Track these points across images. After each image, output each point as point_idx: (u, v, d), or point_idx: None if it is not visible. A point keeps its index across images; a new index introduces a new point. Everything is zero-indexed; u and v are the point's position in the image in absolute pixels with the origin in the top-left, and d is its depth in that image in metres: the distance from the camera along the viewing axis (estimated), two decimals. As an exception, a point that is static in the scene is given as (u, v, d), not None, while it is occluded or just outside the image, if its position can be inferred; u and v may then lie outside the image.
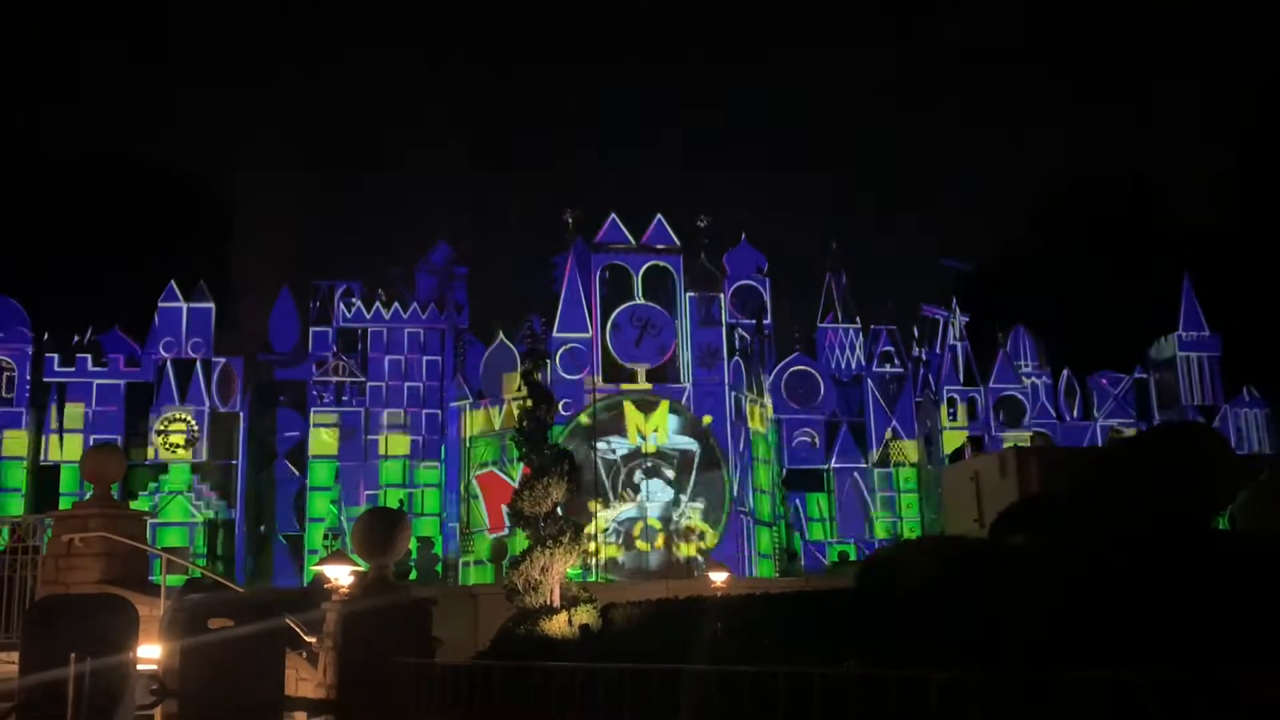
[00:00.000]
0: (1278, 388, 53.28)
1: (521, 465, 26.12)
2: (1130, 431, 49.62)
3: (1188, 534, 11.87)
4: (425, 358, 50.75)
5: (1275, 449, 52.83)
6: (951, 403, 52.95)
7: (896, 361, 55.68)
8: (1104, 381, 55.82)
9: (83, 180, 62.08)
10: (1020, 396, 53.38)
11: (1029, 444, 48.14)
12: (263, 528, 50.04)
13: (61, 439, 48.06)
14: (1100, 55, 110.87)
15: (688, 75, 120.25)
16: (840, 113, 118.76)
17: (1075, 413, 54.67)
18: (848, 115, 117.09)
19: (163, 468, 48.11)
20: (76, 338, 49.55)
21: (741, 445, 47.56)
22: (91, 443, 43.17)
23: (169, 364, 48.82)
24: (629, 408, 45.61)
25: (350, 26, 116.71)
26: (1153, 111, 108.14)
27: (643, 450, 45.62)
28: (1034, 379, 54.37)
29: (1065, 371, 55.18)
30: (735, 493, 46.33)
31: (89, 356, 49.01)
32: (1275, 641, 9.58)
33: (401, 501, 46.71)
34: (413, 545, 46.19)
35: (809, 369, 53.41)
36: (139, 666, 15.08)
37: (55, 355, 48.75)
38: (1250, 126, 61.25)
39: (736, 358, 48.77)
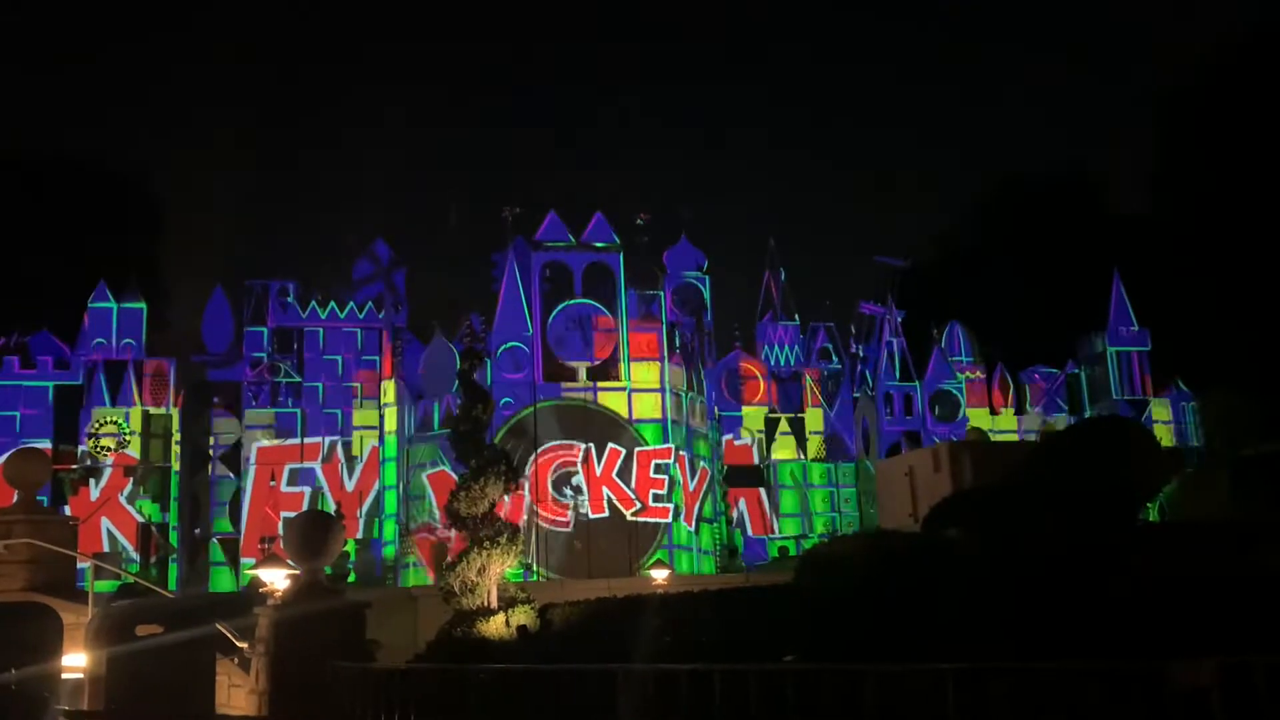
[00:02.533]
0: (1205, 381, 54.40)
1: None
2: (1061, 424, 50.42)
3: (1115, 527, 12.07)
4: (363, 357, 50.17)
5: (1203, 441, 53.97)
6: (888, 399, 53.44)
7: (835, 358, 56.04)
8: (1036, 376, 56.70)
9: (8, 176, 60.60)
10: (955, 392, 54.02)
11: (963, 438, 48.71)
12: (198, 531, 49.19)
13: (-13, 443, 46.89)
14: (1034, 52, 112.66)
15: (626, 73, 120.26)
16: (779, 111, 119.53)
17: (1009, 407, 55.47)
18: (787, 113, 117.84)
19: (94, 471, 47.11)
20: (3, 340, 48.39)
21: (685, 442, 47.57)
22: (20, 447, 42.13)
23: (100, 366, 47.85)
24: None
25: (290, 26, 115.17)
26: (1087, 107, 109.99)
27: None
28: (969, 373, 55.09)
29: (999, 367, 55.95)
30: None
31: (16, 359, 47.89)
32: (1201, 630, 9.75)
33: (338, 505, 46.15)
34: (351, 547, 45.71)
35: (749, 365, 53.63)
36: (65, 675, 14.74)
37: (-18, 358, 47.61)
38: (1179, 121, 62.44)
39: (676, 354, 48.78)
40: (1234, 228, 56.06)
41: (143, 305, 49.33)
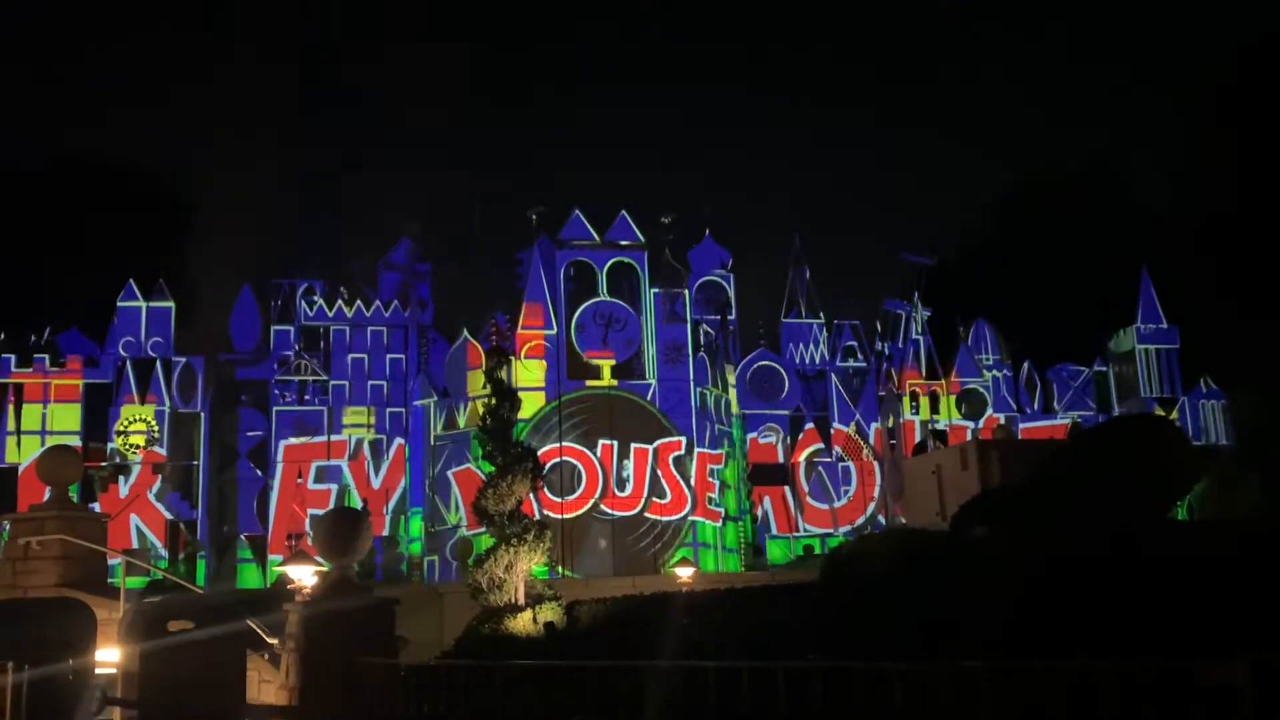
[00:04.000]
0: (1235, 378, 53.94)
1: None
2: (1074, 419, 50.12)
3: (1144, 526, 12.02)
4: (389, 356, 50.44)
5: (1233, 440, 53.52)
6: (914, 396, 53.22)
7: (860, 356, 55.90)
8: (1064, 374, 56.38)
9: (39, 178, 61.22)
10: (982, 389, 53.77)
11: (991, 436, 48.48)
12: (226, 528, 49.58)
13: (19, 441, 47.42)
14: (1063, 49, 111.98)
15: (649, 71, 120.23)
16: (805, 108, 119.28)
17: (1036, 405, 55.18)
18: (812, 111, 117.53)
19: (123, 468, 47.55)
20: (33, 338, 48.89)
21: (707, 440, 47.59)
22: (48, 444, 42.57)
23: (128, 364, 48.29)
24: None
25: (314, 24, 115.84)
26: (1114, 105, 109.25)
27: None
28: (995, 372, 54.86)
29: (1026, 364, 55.67)
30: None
31: (46, 357, 48.36)
32: (1226, 628, 9.71)
33: (365, 502, 46.41)
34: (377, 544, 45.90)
35: (773, 364, 53.55)
36: (98, 670, 14.92)
37: (11, 356, 48.08)
38: (1207, 118, 61.97)
39: (701, 353, 48.82)
40: (1263, 224, 55.55)
41: (171, 304, 49.78)
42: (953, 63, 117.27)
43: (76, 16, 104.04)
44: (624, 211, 48.89)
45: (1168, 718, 7.97)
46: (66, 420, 47.80)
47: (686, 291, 49.15)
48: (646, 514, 44.74)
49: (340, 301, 50.67)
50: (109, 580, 23.69)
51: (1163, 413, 50.10)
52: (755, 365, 53.44)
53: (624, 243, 48.37)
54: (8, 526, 22.41)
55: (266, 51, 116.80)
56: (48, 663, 12.22)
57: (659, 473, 45.19)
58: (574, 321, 47.05)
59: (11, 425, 47.60)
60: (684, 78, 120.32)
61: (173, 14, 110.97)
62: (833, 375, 54.42)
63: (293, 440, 48.86)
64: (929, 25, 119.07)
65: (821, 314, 56.27)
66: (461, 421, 45.96)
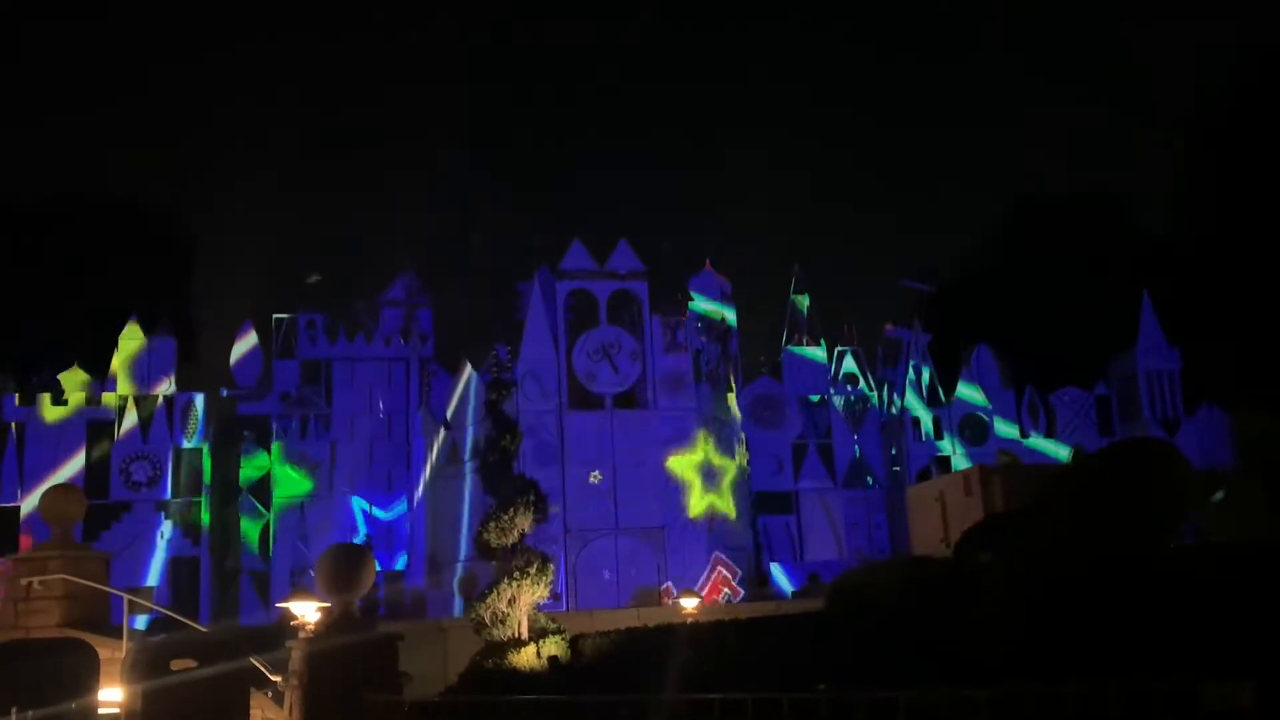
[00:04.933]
0: (1236, 399, 53.88)
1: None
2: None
3: (1147, 548, 11.99)
4: (390, 389, 50.48)
5: (1236, 461, 53.37)
6: (916, 422, 53.21)
7: (861, 382, 55.87)
8: (1066, 398, 56.32)
9: (40, 216, 61.42)
10: (983, 415, 53.75)
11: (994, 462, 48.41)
12: (229, 564, 49.45)
13: (21, 479, 47.36)
14: (1060, 73, 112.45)
15: (645, 101, 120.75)
16: (801, 135, 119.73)
17: (1039, 430, 55.12)
18: (808, 138, 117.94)
19: (126, 506, 47.49)
20: (35, 377, 48.94)
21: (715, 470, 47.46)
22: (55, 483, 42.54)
23: (130, 400, 48.32)
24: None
25: (313, 62, 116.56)
26: (1112, 129, 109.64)
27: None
28: (997, 397, 54.84)
29: (1028, 389, 55.60)
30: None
31: (48, 395, 48.40)
32: (1230, 651, 9.67)
33: (368, 537, 46.32)
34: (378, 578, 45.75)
35: (775, 392, 53.56)
36: (100, 711, 14.86)
37: (14, 394, 48.12)
38: (1202, 139, 62.19)
39: (703, 382, 48.75)
40: (1260, 244, 55.66)
41: (173, 340, 49.86)
42: (948, 85, 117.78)
43: (77, 56, 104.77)
44: (624, 240, 48.89)
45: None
46: (69, 458, 47.74)
47: (687, 319, 49.12)
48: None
49: (341, 334, 50.77)
50: (114, 620, 23.62)
51: (1165, 435, 50.03)
52: (757, 393, 53.42)
53: (624, 272, 48.35)
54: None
55: (267, 91, 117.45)
56: (50, 704, 12.16)
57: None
58: (575, 350, 46.94)
59: (14, 463, 47.55)
60: (683, 110, 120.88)
61: (173, 54, 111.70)
62: (834, 402, 54.39)
63: (293, 474, 48.80)
64: (926, 43, 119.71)
65: (823, 341, 56.30)
66: (464, 453, 45.90)
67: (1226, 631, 10.17)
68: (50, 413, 48.13)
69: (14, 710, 11.91)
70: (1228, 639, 10.01)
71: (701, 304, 52.27)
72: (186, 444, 48.66)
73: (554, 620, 23.94)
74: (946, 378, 54.38)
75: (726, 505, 47.79)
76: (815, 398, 54.73)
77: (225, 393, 51.02)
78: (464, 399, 47.01)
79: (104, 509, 46.62)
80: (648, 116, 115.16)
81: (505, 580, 22.02)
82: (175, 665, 14.61)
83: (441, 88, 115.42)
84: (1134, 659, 9.98)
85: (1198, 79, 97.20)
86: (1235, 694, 7.64)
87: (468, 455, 45.13)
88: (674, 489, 45.51)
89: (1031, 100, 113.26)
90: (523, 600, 22.04)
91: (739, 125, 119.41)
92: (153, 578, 46.43)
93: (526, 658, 21.55)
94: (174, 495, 47.98)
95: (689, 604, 33.88)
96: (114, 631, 21.14)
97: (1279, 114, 57.19)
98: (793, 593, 47.57)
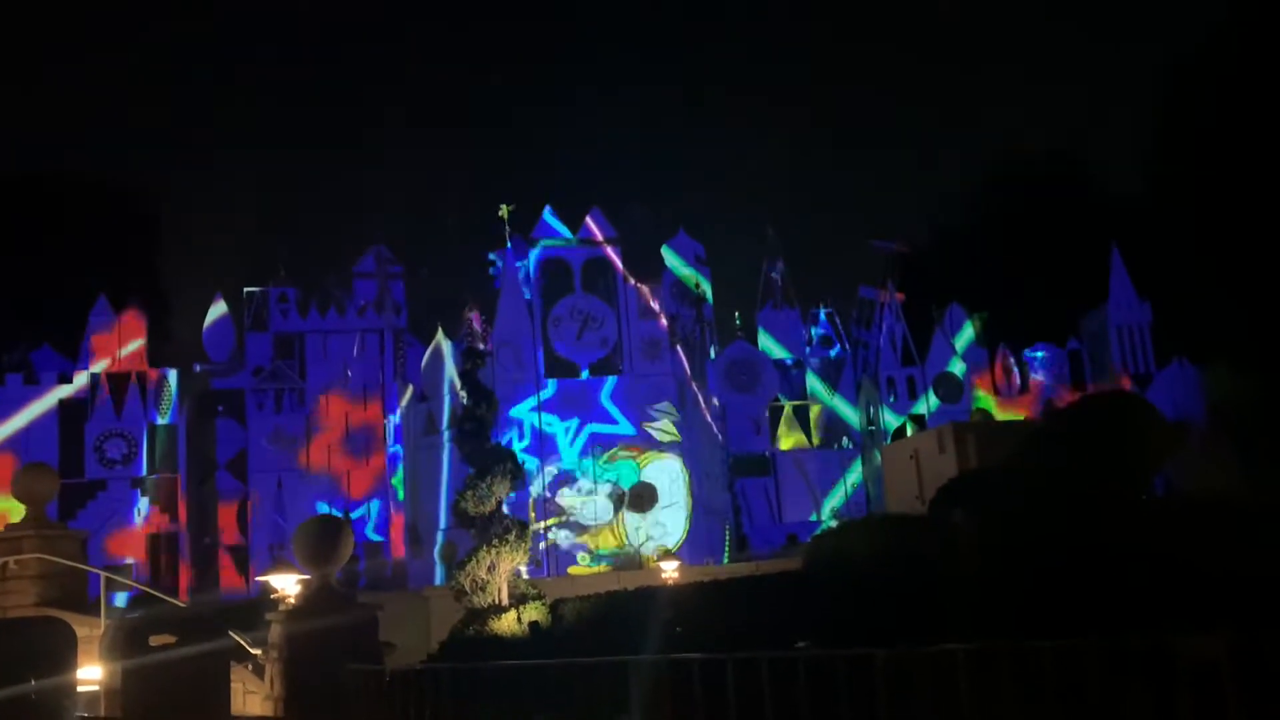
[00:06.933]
0: (1207, 353, 54.27)
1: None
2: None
3: (1120, 504, 12.10)
4: (364, 361, 50.24)
5: (1207, 414, 53.85)
6: (891, 383, 53.48)
7: (836, 344, 56.01)
8: (1039, 354, 56.63)
9: (3, 191, 60.51)
10: (956, 373, 54.02)
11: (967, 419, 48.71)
12: (207, 540, 49.32)
13: (-9, 459, 46.97)
14: (1030, 32, 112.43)
15: (617, 66, 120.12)
16: (774, 97, 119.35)
17: (1012, 386, 55.43)
18: (782, 99, 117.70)
19: (101, 484, 47.21)
20: (6, 356, 48.45)
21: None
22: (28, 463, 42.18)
23: (103, 379, 47.93)
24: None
25: (280, 32, 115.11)
26: (1082, 87, 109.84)
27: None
28: (970, 355, 55.10)
29: (1001, 346, 55.88)
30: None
31: (20, 375, 47.95)
32: (1205, 605, 9.78)
33: (346, 509, 46.26)
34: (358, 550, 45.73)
35: (750, 356, 53.65)
36: (79, 689, 14.81)
37: (-15, 375, 47.69)
38: (1176, 96, 62.25)
39: (679, 347, 48.77)
40: (1232, 200, 55.92)
41: (144, 316, 49.41)
42: (921, 45, 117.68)
43: (42, 31, 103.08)
44: (596, 207, 48.71)
45: (1152, 695, 8.02)
46: (42, 438, 47.36)
47: (661, 285, 49.08)
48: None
49: (314, 307, 50.41)
50: (91, 597, 23.54)
51: (1137, 389, 50.44)
52: (732, 357, 53.51)
53: (597, 239, 48.22)
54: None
55: (230, 67, 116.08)
56: (26, 681, 12.09)
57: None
58: (550, 319, 46.82)
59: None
60: (654, 76, 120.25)
61: (142, 29, 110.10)
62: (809, 364, 54.55)
63: (270, 449, 48.60)
64: (896, 9, 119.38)
65: (797, 303, 56.40)
66: (440, 423, 45.81)
67: (1199, 585, 10.29)
68: (22, 393, 47.69)
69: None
70: (1201, 592, 10.14)
71: (676, 268, 52.19)
72: (161, 420, 48.34)
73: (534, 586, 24.05)
74: (920, 337, 54.58)
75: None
76: (790, 359, 54.87)
77: (198, 368, 50.67)
78: (439, 369, 46.84)
79: (79, 487, 46.31)
80: (620, 77, 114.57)
81: (484, 548, 22.08)
82: (154, 641, 14.56)
83: (400, 47, 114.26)
84: (1111, 614, 10.09)
85: (1173, 36, 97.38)
86: (1209, 646, 7.73)
87: (445, 425, 45.05)
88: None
89: (1002, 58, 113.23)
90: (502, 567, 22.13)
91: (712, 86, 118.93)
92: (131, 555, 46.22)
93: (508, 624, 21.66)
94: (149, 472, 47.73)
95: (669, 567, 34.07)
96: (92, 609, 21.08)
97: (1253, 70, 57.29)
98: (771, 553, 47.87)
